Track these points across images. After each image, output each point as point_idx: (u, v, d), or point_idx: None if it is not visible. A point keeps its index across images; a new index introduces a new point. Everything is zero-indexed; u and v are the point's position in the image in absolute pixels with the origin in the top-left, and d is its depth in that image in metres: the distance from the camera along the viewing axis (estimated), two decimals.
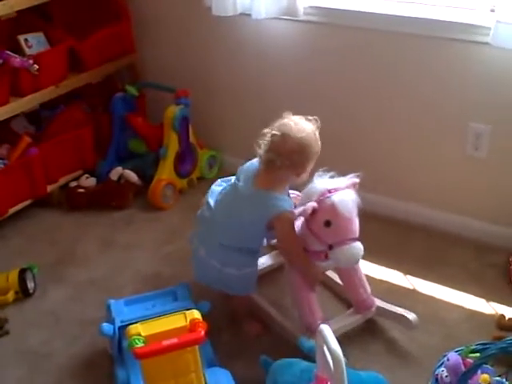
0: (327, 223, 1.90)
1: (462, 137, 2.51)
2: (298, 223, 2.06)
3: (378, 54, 2.58)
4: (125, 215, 2.88)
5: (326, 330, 1.48)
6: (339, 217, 1.88)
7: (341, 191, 1.92)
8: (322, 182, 1.97)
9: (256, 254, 2.12)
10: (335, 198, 1.89)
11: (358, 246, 1.91)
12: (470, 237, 2.58)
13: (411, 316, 2.09)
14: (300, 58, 2.78)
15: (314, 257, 2.02)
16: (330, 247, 1.92)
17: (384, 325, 2.18)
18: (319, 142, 2.01)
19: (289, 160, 1.95)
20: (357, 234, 1.92)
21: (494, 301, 2.28)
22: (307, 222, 1.98)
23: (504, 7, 2.17)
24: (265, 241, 2.21)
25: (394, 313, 2.14)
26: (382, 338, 2.14)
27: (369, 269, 2.42)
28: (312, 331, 1.99)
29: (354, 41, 2.61)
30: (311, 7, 2.65)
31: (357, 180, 1.98)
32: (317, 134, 2.01)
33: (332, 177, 1.98)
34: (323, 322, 1.99)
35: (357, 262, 2.00)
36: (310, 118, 2.02)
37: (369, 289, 2.15)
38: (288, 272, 2.13)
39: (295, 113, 2.88)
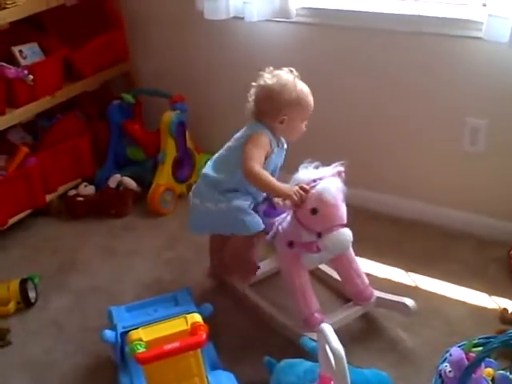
0: (314, 211, 1.92)
1: (459, 132, 2.52)
2: (287, 216, 2.08)
3: (371, 52, 2.59)
4: (124, 222, 2.88)
5: (328, 328, 1.47)
6: (325, 204, 1.90)
7: (325, 179, 1.94)
8: (306, 172, 1.99)
9: (245, 193, 2.13)
10: (320, 186, 1.92)
11: (346, 232, 1.93)
12: (470, 232, 2.58)
13: (409, 302, 2.11)
14: (293, 59, 2.76)
15: (306, 248, 2.02)
16: (319, 235, 1.93)
17: (386, 322, 2.18)
18: (297, 90, 2.09)
19: (261, 107, 2.10)
20: (344, 221, 1.94)
21: (496, 295, 2.28)
22: (295, 213, 1.99)
23: (495, 1, 2.18)
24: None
25: (393, 301, 2.15)
26: (385, 336, 2.14)
27: (371, 267, 2.43)
28: (309, 325, 2.00)
29: (347, 40, 2.62)
30: (303, 8, 2.66)
31: (341, 168, 2.00)
32: (293, 83, 2.10)
33: (317, 167, 2.00)
34: (321, 318, 2.02)
35: (347, 247, 2.01)
36: (286, 69, 2.13)
37: (366, 280, 2.16)
38: (281, 262, 2.16)
39: None
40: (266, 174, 2.04)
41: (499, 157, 2.47)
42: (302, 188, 1.94)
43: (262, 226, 2.12)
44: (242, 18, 2.67)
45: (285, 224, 2.10)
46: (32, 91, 2.72)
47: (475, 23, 2.29)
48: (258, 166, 2.03)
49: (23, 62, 2.78)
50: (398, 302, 2.14)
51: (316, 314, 2.04)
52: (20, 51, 2.81)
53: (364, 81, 2.65)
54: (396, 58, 2.54)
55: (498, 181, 2.51)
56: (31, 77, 2.68)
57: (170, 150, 2.91)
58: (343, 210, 1.96)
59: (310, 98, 2.11)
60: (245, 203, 2.11)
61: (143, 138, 3.05)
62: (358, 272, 2.16)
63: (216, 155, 2.23)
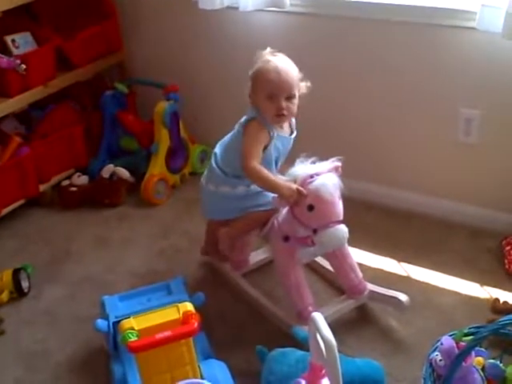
0: (310, 207, 1.91)
1: (453, 123, 2.52)
2: (283, 211, 2.07)
3: (365, 42, 2.58)
4: (118, 212, 2.88)
5: (318, 317, 1.48)
6: (321, 200, 1.89)
7: (322, 175, 1.92)
8: (303, 167, 1.97)
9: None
10: (317, 182, 1.90)
11: (342, 229, 1.92)
12: (463, 222, 2.59)
13: (403, 297, 2.11)
14: (288, 48, 2.74)
15: (301, 243, 2.02)
16: (315, 231, 1.93)
17: (379, 312, 2.19)
18: (258, 65, 2.07)
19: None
20: (340, 217, 1.93)
21: (488, 285, 2.29)
22: (291, 208, 1.98)
23: None
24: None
25: (386, 295, 2.15)
26: (377, 325, 2.14)
27: (364, 257, 2.43)
28: (303, 318, 2.00)
29: (341, 30, 2.62)
30: None
31: (339, 164, 1.99)
32: (261, 59, 2.08)
33: (314, 162, 1.99)
34: (314, 309, 2.01)
35: (342, 244, 2.01)
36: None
37: (360, 274, 2.16)
38: (275, 256, 2.16)
39: None
40: (264, 172, 2.02)
41: (493, 147, 2.48)
42: (299, 191, 1.91)
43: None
44: (237, 8, 2.66)
45: (280, 218, 2.09)
46: (25, 81, 2.71)
47: (468, 13, 2.29)
48: (254, 163, 2.00)
49: (16, 52, 2.76)
50: (391, 296, 2.14)
51: (310, 308, 2.04)
52: (12, 40, 2.79)
53: (357, 71, 2.65)
54: (389, 48, 2.54)
55: (491, 171, 2.51)
56: (24, 66, 2.67)
57: (163, 140, 2.91)
58: (340, 206, 1.94)
59: (273, 75, 2.02)
60: (247, 189, 2.13)
61: (137, 127, 3.05)
62: (352, 266, 2.16)
63: (223, 140, 2.22)
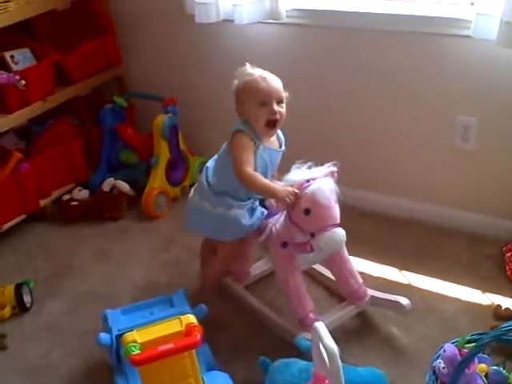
0: (306, 211, 1.93)
1: (451, 130, 2.53)
2: (281, 217, 2.09)
3: (361, 52, 2.60)
4: (119, 226, 2.89)
5: (321, 327, 1.48)
6: (317, 204, 1.91)
7: (318, 180, 1.95)
8: (299, 172, 2.00)
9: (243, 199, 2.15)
10: (313, 186, 1.93)
11: (339, 232, 1.93)
12: (463, 229, 2.60)
13: (404, 301, 2.12)
14: (284, 59, 2.80)
15: (299, 249, 2.03)
16: (312, 235, 1.94)
17: (380, 319, 2.19)
18: (243, 75, 2.11)
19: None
20: (337, 221, 1.94)
21: (489, 291, 2.29)
22: (288, 213, 2.00)
23: (483, 0, 2.19)
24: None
25: (387, 300, 2.16)
26: (379, 333, 2.14)
27: (364, 266, 2.44)
28: (304, 325, 2.01)
29: (337, 40, 2.64)
30: (294, 10, 2.67)
31: (334, 169, 2.01)
32: (243, 70, 2.13)
33: (309, 167, 2.01)
34: (315, 318, 2.02)
35: (340, 247, 2.02)
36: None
37: (360, 279, 2.17)
38: (275, 263, 2.17)
39: None
40: (258, 177, 2.05)
41: (491, 154, 2.49)
42: (294, 193, 1.94)
43: (256, 227, 2.16)
44: (233, 21, 2.68)
45: (278, 225, 2.11)
46: (24, 96, 2.73)
47: (464, 21, 2.31)
48: (248, 169, 2.03)
49: (15, 68, 2.78)
50: (392, 300, 2.15)
51: (311, 314, 2.05)
52: (12, 56, 2.81)
53: (354, 80, 2.66)
54: (386, 57, 2.55)
55: (490, 178, 2.52)
56: (23, 82, 2.68)
57: (163, 153, 2.92)
58: (336, 210, 1.96)
59: (263, 83, 2.07)
60: (242, 212, 2.13)
61: (136, 141, 3.06)
62: (352, 272, 2.17)
63: (217, 155, 2.24)
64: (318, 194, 1.91)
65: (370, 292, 2.19)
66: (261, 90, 2.07)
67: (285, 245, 2.06)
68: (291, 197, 1.94)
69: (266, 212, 2.19)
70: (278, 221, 2.12)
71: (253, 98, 2.07)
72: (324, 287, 2.36)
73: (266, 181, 2.06)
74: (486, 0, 2.18)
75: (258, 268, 2.42)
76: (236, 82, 2.14)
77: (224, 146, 2.18)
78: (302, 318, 2.05)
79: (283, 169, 2.08)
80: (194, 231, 2.32)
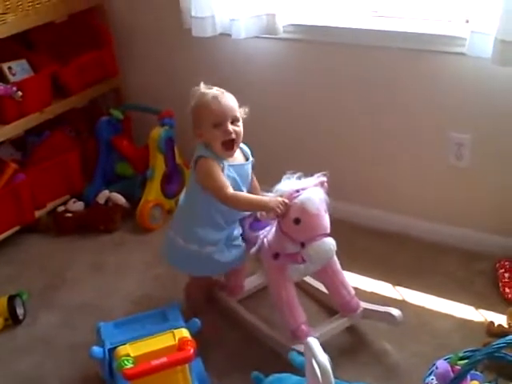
0: (296, 221, 1.94)
1: (444, 147, 2.54)
2: (272, 229, 2.09)
3: (356, 68, 2.62)
4: (113, 238, 2.88)
5: (314, 343, 1.48)
6: (307, 213, 1.92)
7: (308, 189, 1.96)
8: (289, 183, 2.01)
9: (216, 230, 2.12)
10: (302, 196, 1.94)
11: (329, 241, 1.94)
12: (457, 245, 2.60)
13: (395, 312, 2.12)
14: (281, 74, 2.81)
15: (291, 259, 2.03)
16: (302, 245, 1.95)
17: (373, 335, 2.19)
18: (196, 97, 2.11)
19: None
20: (327, 230, 1.96)
21: (483, 308, 2.29)
22: (279, 223, 2.01)
23: (478, 18, 2.21)
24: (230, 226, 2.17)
25: (379, 311, 2.16)
26: (372, 349, 2.14)
27: (357, 281, 2.43)
28: (296, 336, 2.01)
29: (333, 56, 2.65)
30: (291, 25, 2.68)
31: (324, 179, 2.01)
32: (195, 93, 2.12)
33: (299, 178, 2.02)
34: (307, 329, 2.04)
35: (330, 256, 2.01)
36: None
37: (352, 291, 2.17)
38: (267, 275, 2.17)
39: (278, 130, 2.93)
40: (243, 194, 2.05)
41: (484, 170, 2.50)
42: (284, 203, 1.95)
43: (236, 263, 2.18)
44: (230, 35, 2.69)
45: (270, 236, 2.12)
46: (21, 108, 2.74)
47: (458, 39, 2.32)
48: (228, 191, 2.01)
49: (12, 79, 2.79)
50: (384, 312, 2.15)
51: (303, 326, 2.05)
52: (9, 68, 2.83)
53: (350, 96, 2.68)
54: (381, 73, 2.57)
55: (484, 195, 2.53)
56: (20, 93, 2.70)
57: (158, 166, 2.92)
58: (326, 219, 1.97)
59: (214, 103, 2.05)
60: (215, 248, 2.11)
61: (132, 153, 3.06)
62: (344, 283, 2.17)
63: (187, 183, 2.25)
64: (308, 203, 1.92)
65: (362, 304, 2.19)
66: (213, 111, 2.04)
67: (276, 256, 2.07)
68: (281, 207, 1.95)
69: (244, 246, 2.19)
70: (270, 232, 2.12)
71: (206, 119, 2.06)
72: (316, 300, 2.36)
73: (252, 196, 2.07)
74: (481, 18, 2.20)
75: (252, 282, 2.42)
76: (191, 103, 2.12)
77: (191, 176, 2.15)
78: (293, 329, 2.05)
79: (273, 180, 2.07)
80: (172, 265, 2.28)
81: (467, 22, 2.36)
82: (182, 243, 2.14)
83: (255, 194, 2.20)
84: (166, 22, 2.99)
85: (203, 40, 2.76)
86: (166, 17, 2.98)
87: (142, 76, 3.24)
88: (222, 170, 2.04)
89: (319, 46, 2.67)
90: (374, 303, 2.25)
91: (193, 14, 2.69)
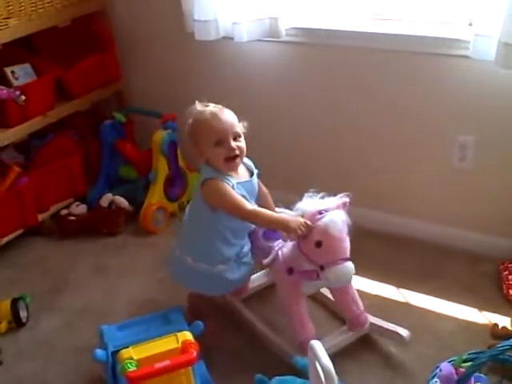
0: (318, 244, 1.90)
1: (448, 149, 2.54)
2: (288, 242, 2.06)
3: (360, 71, 2.62)
4: (117, 241, 2.88)
5: (318, 345, 1.48)
6: (330, 237, 1.88)
7: (331, 212, 1.91)
8: (311, 202, 1.97)
9: (227, 246, 2.08)
10: (326, 218, 1.89)
11: (350, 266, 1.90)
12: (461, 248, 2.60)
13: (404, 332, 2.09)
14: (283, 77, 2.81)
15: (306, 276, 2.01)
16: (322, 267, 1.91)
17: (378, 338, 2.18)
18: (193, 115, 2.08)
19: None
20: (347, 254, 1.92)
21: (487, 310, 2.29)
22: (298, 243, 1.98)
23: (481, 21, 2.21)
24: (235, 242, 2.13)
25: (387, 329, 2.14)
26: (377, 351, 2.14)
27: (362, 283, 2.43)
28: (304, 350, 1.98)
29: (336, 59, 2.65)
30: (293, 28, 2.68)
31: (347, 200, 1.98)
32: (192, 111, 2.09)
33: (322, 197, 1.98)
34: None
35: (348, 281, 1.99)
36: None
37: (362, 306, 2.15)
38: (278, 287, 2.14)
39: (280, 132, 2.92)
40: (262, 211, 2.00)
41: (488, 173, 2.50)
42: (306, 224, 1.91)
43: (244, 280, 2.17)
44: (232, 38, 2.69)
45: (285, 249, 2.08)
46: (24, 111, 2.74)
47: (462, 42, 2.32)
48: (248, 207, 1.97)
49: (15, 83, 2.79)
50: (392, 331, 2.12)
51: (311, 340, 2.03)
52: (12, 72, 2.83)
53: (353, 99, 2.68)
54: (385, 76, 2.57)
55: (487, 197, 2.52)
56: (23, 97, 2.70)
57: (161, 169, 2.92)
58: (347, 243, 1.93)
59: (215, 121, 2.01)
60: (226, 267, 2.08)
61: (135, 156, 3.07)
62: (354, 298, 2.14)
63: (190, 202, 2.19)
64: (331, 226, 1.88)
65: (371, 319, 2.17)
66: (214, 129, 2.00)
67: (291, 271, 2.04)
68: (303, 228, 1.91)
69: (252, 262, 2.16)
70: (285, 245, 2.09)
71: (207, 138, 2.01)
72: (325, 308, 2.34)
73: (273, 213, 2.03)
74: (485, 21, 2.20)
75: (256, 281, 2.40)
76: (188, 122, 2.08)
77: (195, 195, 2.12)
78: (302, 341, 2.01)
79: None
80: (179, 283, 2.23)
81: (470, 24, 2.36)
82: (191, 262, 2.09)
83: (265, 199, 2.18)
84: (169, 25, 3.00)
85: (205, 43, 2.76)
86: (169, 21, 2.98)
87: (144, 80, 3.24)
88: (233, 188, 2.01)
89: (321, 49, 2.67)
90: (379, 306, 2.25)
91: (195, 17, 2.69)
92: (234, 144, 2.00)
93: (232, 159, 2.01)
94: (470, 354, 1.76)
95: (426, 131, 2.56)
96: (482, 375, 1.75)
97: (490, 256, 2.51)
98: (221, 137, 2.00)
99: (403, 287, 2.44)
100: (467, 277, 2.47)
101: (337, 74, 2.68)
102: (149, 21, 3.09)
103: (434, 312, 2.31)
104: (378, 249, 2.67)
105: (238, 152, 2.01)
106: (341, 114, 2.73)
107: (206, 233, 2.08)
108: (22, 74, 2.86)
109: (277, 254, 2.10)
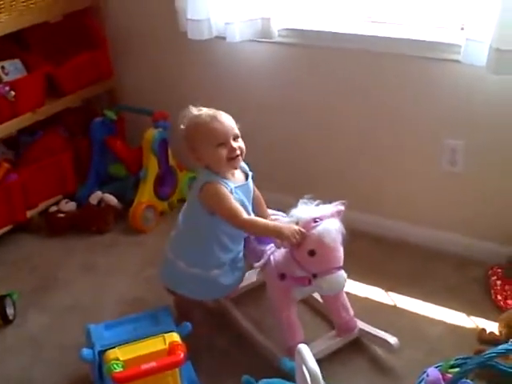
0: (311, 252, 1.89)
1: (438, 153, 2.55)
2: (282, 249, 2.06)
3: (351, 73, 2.62)
4: (105, 239, 2.87)
5: (305, 349, 1.48)
6: (324, 247, 1.88)
7: (326, 220, 1.91)
8: (306, 209, 1.96)
9: (223, 251, 2.08)
10: (320, 227, 1.89)
11: (342, 275, 1.90)
12: (450, 252, 2.60)
13: (393, 340, 2.09)
14: (275, 78, 2.81)
15: (298, 282, 2.01)
16: (314, 275, 1.91)
17: (366, 341, 2.18)
18: (190, 118, 2.06)
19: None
20: (341, 263, 1.92)
21: (474, 315, 2.29)
22: (291, 250, 1.97)
23: (473, 25, 2.21)
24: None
25: (376, 336, 2.13)
26: (365, 355, 2.14)
27: (351, 286, 2.42)
28: (292, 354, 1.98)
29: (328, 61, 2.66)
30: (285, 29, 2.68)
31: (342, 208, 1.98)
32: (189, 115, 2.07)
33: (317, 205, 1.98)
34: None
35: (341, 289, 2.00)
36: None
37: (351, 311, 2.15)
38: (269, 291, 2.13)
39: (272, 133, 2.92)
40: (258, 220, 2.01)
41: (478, 177, 2.50)
42: (300, 232, 1.90)
43: (236, 285, 2.16)
44: (225, 38, 2.69)
45: (278, 254, 2.07)
46: (13, 107, 2.72)
47: (454, 46, 2.33)
48: (243, 216, 1.96)
49: (5, 78, 2.77)
50: (380, 338, 2.12)
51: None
52: (2, 67, 2.81)
53: (344, 101, 2.68)
54: (376, 79, 2.57)
55: (477, 201, 2.53)
56: (13, 93, 2.68)
57: (151, 167, 2.91)
58: (341, 252, 1.93)
59: (214, 122, 2.01)
60: (221, 272, 2.08)
61: (125, 154, 3.05)
62: (345, 304, 2.14)
63: (184, 206, 2.18)
64: (325, 236, 1.87)
65: (360, 325, 2.16)
66: (214, 131, 2.00)
67: (283, 277, 2.04)
68: (297, 236, 1.90)
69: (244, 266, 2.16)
70: (277, 250, 2.08)
71: (207, 141, 2.01)
72: (314, 310, 2.34)
73: (268, 222, 2.03)
74: (476, 26, 2.20)
75: (246, 280, 2.36)
76: (183, 127, 2.07)
77: (191, 199, 2.11)
78: (290, 346, 1.99)
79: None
80: (170, 287, 2.20)
81: (462, 29, 2.37)
82: (184, 266, 2.08)
83: (258, 202, 2.18)
84: (162, 23, 2.99)
85: (198, 42, 2.75)
86: (162, 18, 2.97)
87: (136, 77, 3.23)
88: (231, 193, 2.00)
89: (314, 50, 2.67)
90: (367, 309, 2.26)
91: (189, 16, 2.68)
92: (235, 144, 2.01)
93: (234, 158, 2.02)
94: (457, 360, 1.77)
95: (416, 135, 2.57)
96: (468, 381, 1.75)
97: (479, 260, 2.51)
98: (222, 138, 2.00)
99: (392, 290, 2.44)
100: (456, 281, 2.47)
101: (328, 76, 2.67)
102: (142, 18, 3.07)
103: (422, 316, 2.31)
104: (368, 251, 2.67)
105: (238, 152, 2.02)
106: (331, 116, 2.73)
107: (202, 237, 2.07)
108: (12, 69, 2.84)
109: (269, 259, 2.09)
